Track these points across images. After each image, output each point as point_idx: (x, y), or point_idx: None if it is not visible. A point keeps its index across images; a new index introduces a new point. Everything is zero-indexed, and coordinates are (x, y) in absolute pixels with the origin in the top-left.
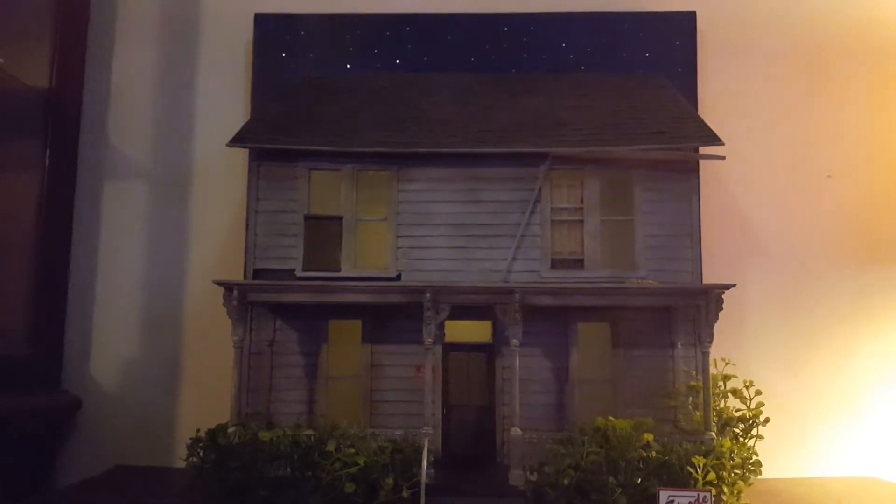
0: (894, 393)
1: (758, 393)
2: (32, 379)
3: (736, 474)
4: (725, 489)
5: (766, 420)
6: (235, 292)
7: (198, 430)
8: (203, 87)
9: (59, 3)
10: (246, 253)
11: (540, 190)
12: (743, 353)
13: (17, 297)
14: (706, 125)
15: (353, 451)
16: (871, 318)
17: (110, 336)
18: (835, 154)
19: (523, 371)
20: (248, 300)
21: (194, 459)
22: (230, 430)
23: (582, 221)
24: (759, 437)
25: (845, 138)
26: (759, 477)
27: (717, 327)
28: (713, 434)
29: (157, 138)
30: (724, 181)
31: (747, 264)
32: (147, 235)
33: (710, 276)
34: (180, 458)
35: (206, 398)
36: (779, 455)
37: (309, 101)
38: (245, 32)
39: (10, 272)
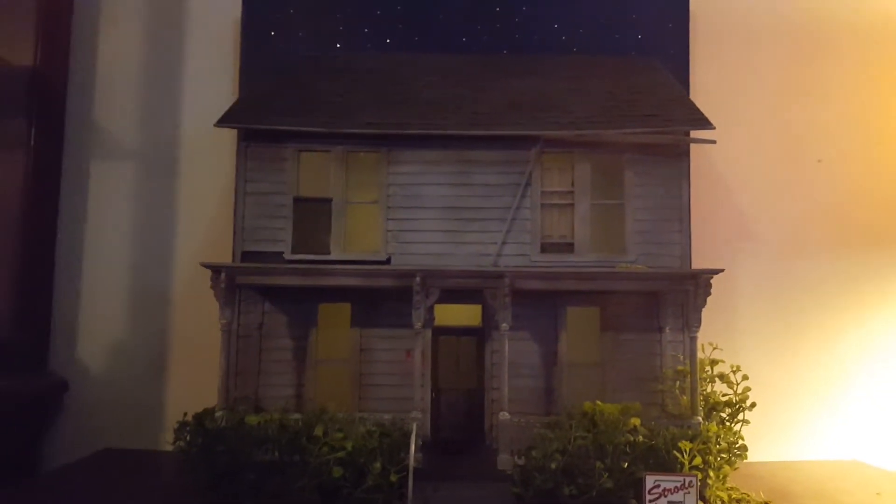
0: (877, 379)
1: (745, 378)
2: (19, 361)
3: (722, 458)
4: (711, 473)
5: (753, 405)
6: (223, 275)
7: (185, 414)
8: (190, 65)
9: None
10: (234, 235)
11: (531, 173)
12: (729, 338)
13: (3, 279)
14: (698, 109)
15: (341, 435)
16: (857, 304)
17: (97, 318)
18: (825, 139)
19: (512, 355)
20: (236, 283)
21: (181, 443)
22: (217, 414)
23: (572, 205)
24: (745, 421)
25: (836, 124)
26: (744, 461)
27: (704, 312)
28: (700, 418)
29: (143, 118)
30: (713, 165)
31: (735, 249)
32: (134, 217)
33: (698, 261)
34: (167, 442)
35: (193, 381)
36: (763, 439)
37: (298, 82)
38: (233, 10)
39: None
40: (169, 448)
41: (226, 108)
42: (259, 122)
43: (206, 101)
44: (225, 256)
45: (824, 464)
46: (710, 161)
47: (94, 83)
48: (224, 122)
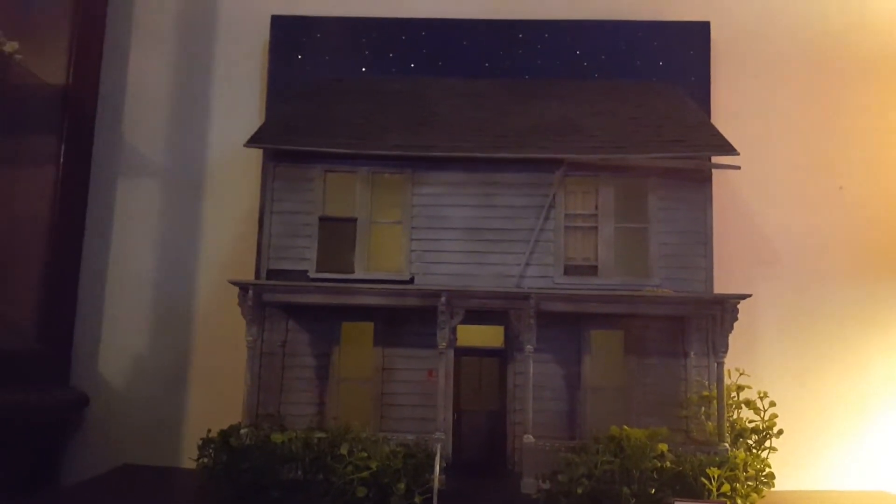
0: None
1: (772, 404)
2: (41, 374)
3: (749, 486)
4: (739, 501)
5: (780, 432)
6: (251, 292)
7: (209, 431)
8: (218, 87)
9: (77, 1)
10: (259, 253)
11: (554, 196)
12: (753, 363)
13: (28, 292)
14: (721, 135)
15: (365, 454)
16: (884, 329)
17: (120, 333)
18: (847, 165)
19: (535, 377)
20: (263, 300)
21: (205, 460)
22: (243, 431)
23: (596, 228)
24: (772, 448)
25: (858, 150)
26: (771, 489)
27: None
28: (727, 445)
29: (171, 137)
30: (735, 190)
31: (758, 274)
32: (159, 233)
33: (720, 286)
34: (190, 458)
35: (215, 397)
36: (788, 467)
37: (325, 103)
38: (261, 34)
39: (21, 267)
40: (188, 465)
41: (252, 128)
42: (287, 142)
43: (233, 121)
44: (248, 274)
45: (850, 494)
46: (731, 186)
47: (124, 102)
48: (253, 142)
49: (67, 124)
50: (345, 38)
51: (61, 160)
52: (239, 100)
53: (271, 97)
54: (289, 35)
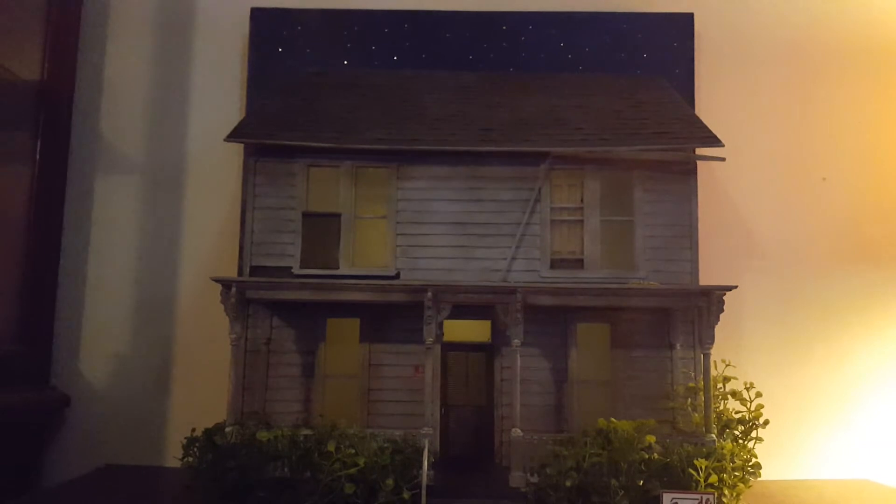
0: (888, 396)
1: (758, 395)
2: (21, 375)
3: (736, 476)
4: (726, 491)
5: (766, 422)
6: (234, 290)
7: (193, 430)
8: (197, 81)
9: None
10: (241, 250)
11: (540, 189)
12: (738, 354)
13: (7, 292)
14: (706, 126)
15: (352, 451)
16: (867, 320)
17: (100, 332)
18: (830, 157)
19: (522, 371)
20: (246, 298)
21: (190, 459)
22: (228, 429)
23: (582, 221)
24: (758, 439)
25: (841, 141)
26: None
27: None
28: (714, 436)
29: (150, 132)
30: (719, 183)
31: (743, 266)
32: (139, 230)
33: (705, 278)
34: (175, 458)
35: (198, 396)
36: (773, 457)
37: (307, 97)
38: (241, 26)
39: None
40: (172, 464)
41: (233, 123)
42: (268, 137)
43: (213, 116)
44: (231, 271)
45: (835, 483)
46: (715, 179)
47: (101, 97)
48: (234, 137)
49: (43, 121)
50: (326, 30)
51: (37, 157)
52: (219, 94)
53: (252, 91)
54: (269, 28)
